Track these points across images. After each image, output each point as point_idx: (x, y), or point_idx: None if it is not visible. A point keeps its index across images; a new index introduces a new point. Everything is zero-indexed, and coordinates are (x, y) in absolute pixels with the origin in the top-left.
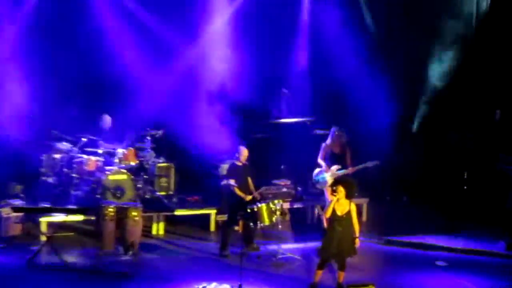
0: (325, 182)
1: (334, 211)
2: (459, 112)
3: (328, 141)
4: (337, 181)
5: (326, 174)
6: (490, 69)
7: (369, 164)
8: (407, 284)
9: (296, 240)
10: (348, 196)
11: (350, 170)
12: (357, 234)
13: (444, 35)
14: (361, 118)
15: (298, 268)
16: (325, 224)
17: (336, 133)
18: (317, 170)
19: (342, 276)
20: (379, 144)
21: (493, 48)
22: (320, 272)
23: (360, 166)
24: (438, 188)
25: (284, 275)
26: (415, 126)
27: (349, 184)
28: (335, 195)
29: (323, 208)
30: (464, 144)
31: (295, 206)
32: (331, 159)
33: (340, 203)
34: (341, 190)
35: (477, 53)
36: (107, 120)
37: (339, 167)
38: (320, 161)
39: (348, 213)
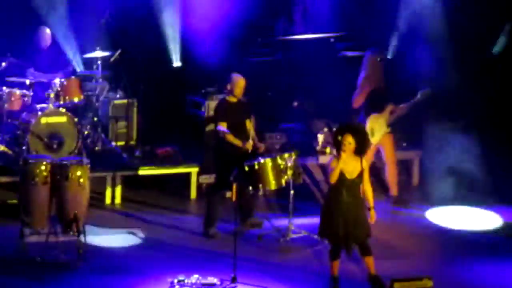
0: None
1: (341, 173)
2: None
3: (365, 71)
4: (343, 129)
5: (380, 120)
6: None
7: (420, 95)
8: (477, 278)
9: (312, 213)
10: (360, 151)
11: (403, 108)
12: (372, 204)
13: None
14: (409, 37)
15: (316, 254)
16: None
17: (376, 58)
18: (373, 117)
19: (372, 264)
20: (439, 73)
21: None
22: (336, 263)
23: (415, 100)
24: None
25: (295, 264)
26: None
27: (361, 132)
28: (341, 150)
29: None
30: None
31: (314, 162)
32: (375, 99)
33: (349, 162)
34: (350, 141)
35: None
36: (45, 34)
37: (393, 106)
38: (357, 103)
39: (360, 175)
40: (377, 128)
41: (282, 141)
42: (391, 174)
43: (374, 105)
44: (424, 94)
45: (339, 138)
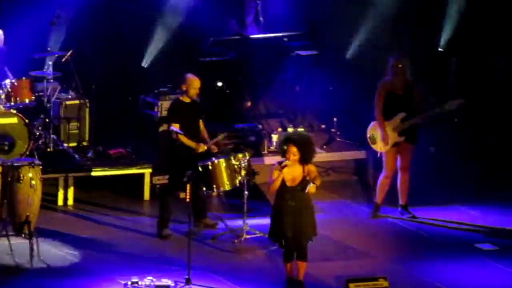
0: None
1: (282, 181)
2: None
3: (387, 78)
4: (288, 139)
5: (387, 127)
6: None
7: (451, 105)
8: (433, 277)
9: (266, 213)
10: (304, 160)
11: (420, 117)
12: (318, 183)
13: None
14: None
15: (272, 254)
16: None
17: (397, 64)
18: (371, 128)
19: (302, 269)
20: None
21: None
22: (289, 265)
23: (437, 111)
24: (481, 135)
25: (250, 265)
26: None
27: (305, 142)
28: (286, 158)
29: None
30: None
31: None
32: (392, 104)
33: (291, 169)
34: (294, 152)
35: None
36: None
37: (404, 114)
38: (378, 112)
39: (303, 181)
40: (379, 136)
41: (235, 141)
42: (401, 182)
43: (385, 111)
44: (454, 105)
45: (284, 147)
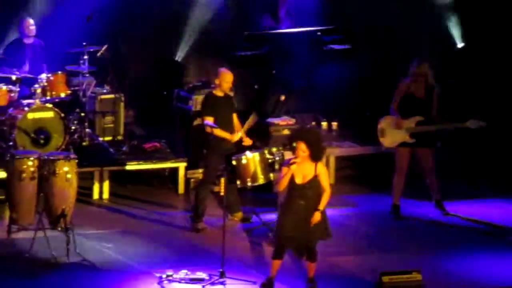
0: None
1: (291, 178)
2: None
3: (407, 79)
4: (297, 135)
5: (396, 129)
6: None
7: (472, 124)
8: (466, 270)
9: None
10: (314, 157)
11: (435, 127)
12: (321, 207)
13: None
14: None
15: None
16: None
17: (420, 66)
18: (389, 118)
19: (312, 270)
20: None
21: None
22: (277, 263)
23: (455, 125)
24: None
25: (284, 259)
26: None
27: (315, 139)
28: (294, 156)
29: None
30: None
31: None
32: (410, 107)
33: (301, 167)
34: (303, 148)
35: None
36: (29, 26)
37: (421, 118)
38: (395, 111)
39: (314, 180)
40: (390, 131)
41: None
42: (430, 184)
43: (402, 110)
44: (475, 125)
45: (293, 144)
